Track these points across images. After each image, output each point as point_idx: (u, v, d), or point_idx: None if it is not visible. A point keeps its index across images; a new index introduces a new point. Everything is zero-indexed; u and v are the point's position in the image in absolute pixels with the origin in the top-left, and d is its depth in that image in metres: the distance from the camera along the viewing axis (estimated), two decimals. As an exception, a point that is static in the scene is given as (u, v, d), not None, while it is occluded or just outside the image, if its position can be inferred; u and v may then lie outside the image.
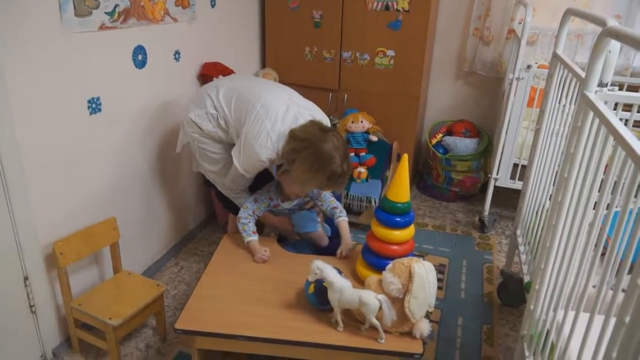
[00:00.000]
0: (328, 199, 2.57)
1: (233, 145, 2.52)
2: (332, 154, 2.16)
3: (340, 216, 2.52)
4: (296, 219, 2.49)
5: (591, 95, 1.59)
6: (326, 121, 2.45)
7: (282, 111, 2.33)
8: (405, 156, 2.06)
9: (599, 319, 1.30)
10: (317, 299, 2.01)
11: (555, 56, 2.44)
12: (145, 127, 2.87)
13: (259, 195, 2.55)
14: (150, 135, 2.93)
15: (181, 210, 3.40)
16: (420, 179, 4.50)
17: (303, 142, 2.19)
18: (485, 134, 4.19)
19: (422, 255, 3.31)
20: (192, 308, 2.04)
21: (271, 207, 2.56)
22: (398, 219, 2.09)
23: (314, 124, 2.27)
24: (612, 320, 1.16)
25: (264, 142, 2.27)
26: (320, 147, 2.16)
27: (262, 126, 2.28)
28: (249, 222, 2.45)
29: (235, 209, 2.72)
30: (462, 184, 4.13)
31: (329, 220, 2.63)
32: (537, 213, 2.54)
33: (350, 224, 2.64)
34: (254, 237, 2.42)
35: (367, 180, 3.70)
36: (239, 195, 2.62)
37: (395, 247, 2.12)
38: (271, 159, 2.32)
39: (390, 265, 1.94)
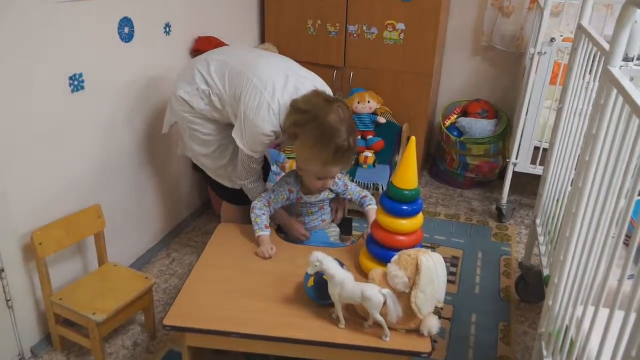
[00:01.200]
0: (356, 189, 2.58)
1: (228, 125, 2.52)
2: (338, 127, 2.15)
3: (370, 204, 2.53)
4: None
5: (615, 70, 1.57)
6: (329, 92, 2.43)
7: (281, 82, 2.32)
8: (413, 139, 2.05)
9: (619, 315, 1.29)
10: (317, 294, 2.00)
11: (579, 28, 2.42)
12: (133, 106, 2.87)
13: (276, 186, 2.52)
14: (138, 116, 2.93)
15: (173, 197, 3.40)
16: (432, 164, 4.50)
17: (306, 115, 2.18)
18: (504, 114, 4.17)
19: (433, 247, 3.38)
20: (182, 303, 2.04)
21: (291, 201, 2.53)
22: (405, 207, 2.08)
23: (317, 94, 2.26)
24: (633, 317, 1.16)
25: (266, 115, 2.27)
26: (325, 120, 2.15)
27: (262, 99, 2.28)
28: (263, 214, 2.41)
29: (231, 196, 2.72)
30: (479, 170, 4.12)
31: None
32: (558, 201, 2.53)
33: (356, 213, 2.68)
34: (266, 232, 2.38)
35: (374, 165, 3.70)
36: (255, 186, 2.57)
37: (401, 237, 2.10)
38: (276, 131, 2.31)
39: (395, 257, 1.93)
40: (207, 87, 2.45)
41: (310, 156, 2.23)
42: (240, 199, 2.66)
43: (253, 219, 2.41)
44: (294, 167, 2.60)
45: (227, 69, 2.43)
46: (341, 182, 2.56)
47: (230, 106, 2.41)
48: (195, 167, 2.84)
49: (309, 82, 2.39)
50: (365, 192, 2.58)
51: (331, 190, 2.55)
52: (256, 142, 2.34)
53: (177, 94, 2.51)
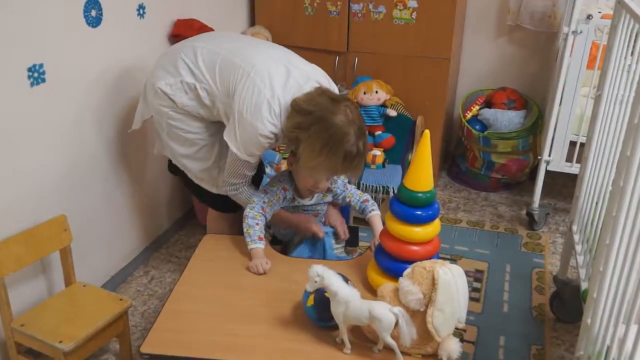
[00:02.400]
0: (356, 192, 2.61)
1: (214, 123, 2.53)
2: (346, 130, 2.17)
3: (372, 209, 2.57)
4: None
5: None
6: (334, 89, 2.46)
7: (282, 77, 2.34)
8: (427, 132, 2.05)
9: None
10: (318, 314, 2.00)
11: (619, 2, 2.42)
12: (102, 101, 2.87)
13: (268, 186, 2.53)
14: (109, 112, 2.93)
15: (151, 205, 3.41)
16: (452, 163, 4.49)
17: (309, 117, 2.21)
18: (535, 104, 4.15)
19: (453, 258, 3.38)
20: (162, 327, 2.05)
21: (287, 201, 2.55)
22: (418, 212, 2.09)
23: (322, 92, 2.29)
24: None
25: (266, 115, 2.28)
26: (332, 123, 2.17)
27: (261, 96, 2.29)
28: (257, 223, 2.41)
29: (217, 202, 2.73)
30: (505, 169, 4.11)
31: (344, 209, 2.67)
32: (597, 203, 2.53)
33: (363, 221, 2.68)
34: (260, 245, 2.39)
35: (383, 165, 3.71)
36: (241, 191, 2.57)
37: (415, 247, 2.12)
38: (277, 133, 2.33)
39: (408, 271, 1.94)
40: (194, 80, 2.45)
41: (316, 165, 2.24)
42: (228, 205, 2.66)
43: (245, 230, 2.42)
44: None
45: (217, 59, 2.43)
46: (341, 180, 2.58)
47: (221, 103, 2.42)
48: (172, 168, 2.83)
49: (313, 78, 2.41)
50: (366, 196, 2.60)
51: (329, 190, 2.56)
52: (253, 145, 2.35)
53: (157, 86, 2.51)
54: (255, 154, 2.40)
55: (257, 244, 2.38)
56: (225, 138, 2.39)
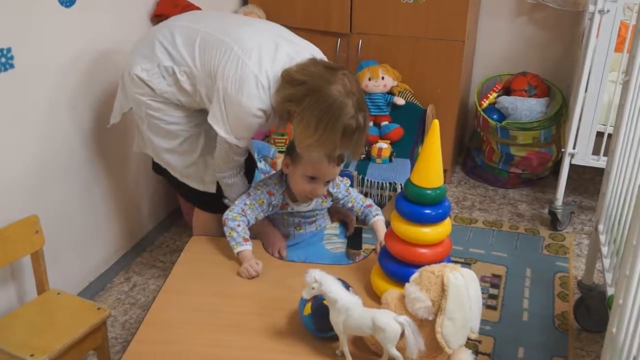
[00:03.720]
0: (359, 197, 2.61)
1: (198, 111, 2.53)
2: (344, 101, 2.15)
3: (376, 214, 2.57)
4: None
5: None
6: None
7: (269, 49, 2.32)
8: (436, 122, 2.04)
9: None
10: (316, 324, 1.99)
11: (649, -22, 2.42)
12: (77, 89, 2.87)
13: (252, 189, 2.54)
14: (84, 101, 2.93)
15: (133, 205, 3.41)
16: (467, 157, 4.50)
17: (302, 87, 2.18)
18: (558, 91, 4.15)
19: (467, 262, 3.39)
20: (144, 339, 2.04)
21: (274, 207, 2.54)
22: (427, 211, 2.08)
23: (316, 62, 2.27)
24: None
25: (253, 90, 2.27)
26: (328, 93, 2.14)
27: (246, 70, 2.28)
28: (238, 225, 2.42)
29: (204, 200, 2.73)
30: (526, 163, 4.12)
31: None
32: (625, 200, 2.53)
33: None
34: (246, 247, 2.39)
35: (390, 160, 3.72)
36: (234, 181, 2.56)
37: (423, 250, 2.11)
38: (266, 110, 2.31)
39: (415, 275, 1.93)
40: (172, 63, 2.45)
41: (313, 143, 2.20)
42: (216, 203, 2.66)
43: (227, 234, 2.42)
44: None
45: (197, 37, 2.42)
46: (343, 184, 2.58)
47: (204, 86, 2.41)
48: (156, 167, 2.83)
49: (305, 50, 2.40)
50: (370, 201, 2.60)
51: (329, 194, 2.56)
52: (242, 125, 2.34)
53: (132, 72, 2.50)
54: (244, 136, 2.39)
55: (244, 246, 2.38)
56: (209, 121, 2.38)
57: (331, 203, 2.61)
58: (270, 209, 2.52)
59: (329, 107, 2.14)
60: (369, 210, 2.58)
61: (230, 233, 2.40)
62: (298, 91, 2.18)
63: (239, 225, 2.41)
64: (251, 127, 2.35)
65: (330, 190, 2.54)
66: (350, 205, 2.60)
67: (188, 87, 2.45)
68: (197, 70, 2.40)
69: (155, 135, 2.60)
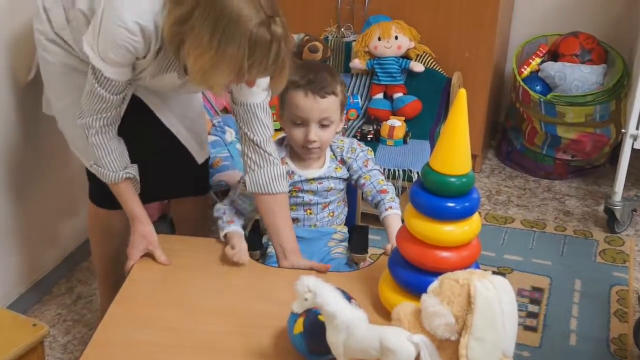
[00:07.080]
0: (376, 177, 2.49)
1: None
2: (242, 5, 2.00)
3: (391, 206, 2.43)
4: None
5: None
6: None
7: None
8: (463, 92, 1.83)
9: None
10: (309, 345, 1.87)
11: None
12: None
13: (232, 194, 2.52)
14: (5, 68, 2.79)
15: (75, 200, 3.28)
16: (502, 139, 4.42)
17: (192, 2, 2.05)
18: (619, 57, 3.99)
19: (501, 271, 3.33)
20: (91, 364, 1.97)
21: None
22: (451, 204, 1.91)
23: None
24: None
25: (134, 1, 2.14)
26: (221, 1, 2.02)
27: None
28: (224, 213, 2.44)
29: (91, 190, 2.67)
30: (577, 147, 3.99)
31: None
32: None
33: (374, 219, 2.57)
34: (232, 227, 2.39)
35: (405, 141, 3.63)
36: (100, 141, 2.36)
37: (445, 253, 1.96)
38: (146, 31, 2.15)
39: (435, 285, 1.78)
40: None
41: (210, 67, 2.06)
42: (107, 196, 2.52)
43: (219, 224, 2.46)
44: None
45: None
46: (363, 153, 2.48)
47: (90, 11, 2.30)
48: None
49: None
50: (388, 186, 2.46)
51: (343, 160, 2.47)
52: (111, 42, 2.17)
53: (37, 2, 2.45)
54: (112, 60, 2.21)
55: (228, 227, 2.40)
56: (83, 39, 2.25)
57: (347, 174, 2.49)
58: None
59: (221, 14, 2.00)
60: (383, 197, 2.42)
61: (217, 222, 2.46)
62: (187, 8, 2.05)
63: (224, 213, 2.45)
64: (122, 49, 2.18)
65: (344, 155, 2.48)
66: (362, 182, 2.47)
67: (83, 19, 2.33)
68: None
69: (49, 91, 2.57)
